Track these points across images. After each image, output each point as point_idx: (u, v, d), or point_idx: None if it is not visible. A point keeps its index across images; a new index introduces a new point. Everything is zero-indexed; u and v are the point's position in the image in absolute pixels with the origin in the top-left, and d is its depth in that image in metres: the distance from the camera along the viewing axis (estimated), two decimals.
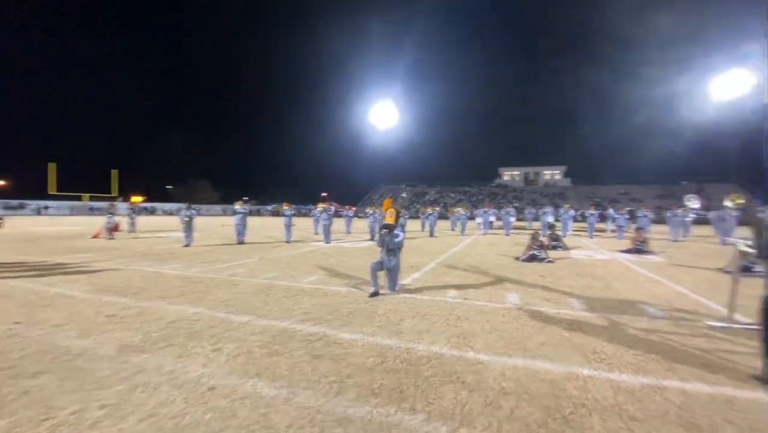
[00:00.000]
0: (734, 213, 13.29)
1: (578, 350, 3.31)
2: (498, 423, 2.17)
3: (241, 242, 12.51)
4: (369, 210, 16.76)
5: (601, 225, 20.71)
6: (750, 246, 3.75)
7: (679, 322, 4.20)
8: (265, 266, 7.84)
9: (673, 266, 8.54)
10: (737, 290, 4.04)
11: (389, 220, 5.51)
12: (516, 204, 44.88)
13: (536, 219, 21.55)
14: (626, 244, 12.18)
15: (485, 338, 3.61)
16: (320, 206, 15.91)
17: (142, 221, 25.17)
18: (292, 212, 13.96)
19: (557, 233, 12.73)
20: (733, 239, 4.80)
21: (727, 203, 12.57)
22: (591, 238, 16.41)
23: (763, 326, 2.73)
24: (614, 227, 17.64)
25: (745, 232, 9.83)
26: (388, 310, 4.56)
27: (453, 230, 21.17)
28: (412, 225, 22.61)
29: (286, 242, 13.14)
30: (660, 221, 22.87)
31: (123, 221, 17.57)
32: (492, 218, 20.55)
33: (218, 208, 57.78)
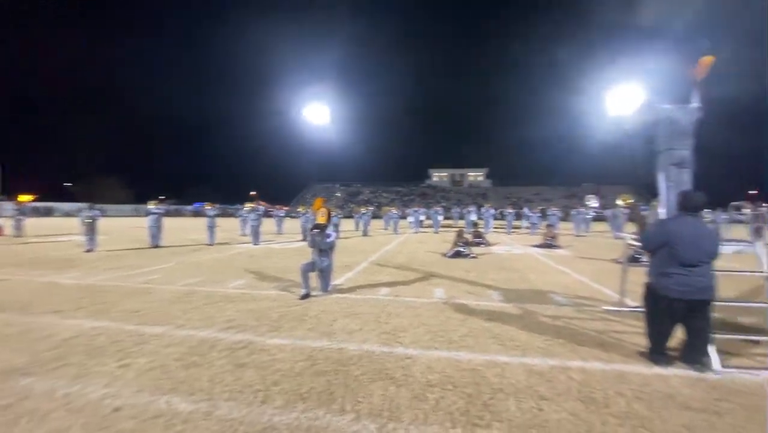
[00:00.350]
0: (624, 211, 15.46)
1: (497, 339, 3.57)
2: (424, 415, 2.25)
3: (156, 246, 11.36)
4: (300, 209, 16.36)
5: (518, 223, 22.65)
6: (635, 240, 4.37)
7: (580, 308, 4.76)
8: (185, 271, 7.23)
9: (576, 258, 9.66)
10: (626, 277, 4.69)
11: (321, 219, 5.43)
12: (444, 204, 47.13)
13: (462, 217, 22.85)
14: (538, 239, 13.48)
15: (414, 332, 3.73)
16: (248, 206, 15.13)
17: (33, 223, 21.69)
18: (216, 212, 13.05)
19: (480, 230, 13.66)
20: (623, 234, 5.59)
21: (619, 202, 14.59)
22: (509, 234, 17.89)
23: (645, 308, 3.20)
24: (528, 224, 19.42)
25: (632, 228, 11.40)
26: (320, 311, 4.48)
27: (386, 228, 21.55)
28: (346, 225, 22.56)
29: (209, 244, 12.25)
30: (566, 218, 25.69)
31: (7, 224, 14.97)
32: (422, 217, 21.35)
33: (128, 208, 51.72)
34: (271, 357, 3.12)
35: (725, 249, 3.45)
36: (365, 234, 17.28)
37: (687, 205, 3.06)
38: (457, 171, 67.94)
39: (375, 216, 27.22)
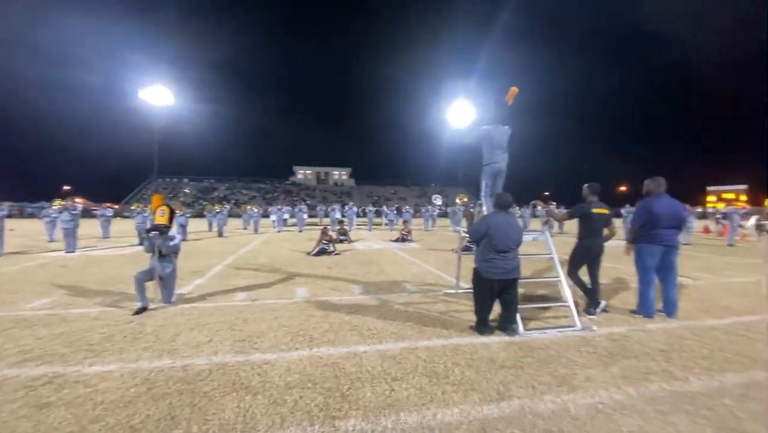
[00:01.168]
0: (461, 209, 18.17)
1: (356, 331, 3.73)
2: (281, 419, 2.19)
3: None
4: (135, 208, 13.83)
5: (378, 220, 24.19)
6: (466, 232, 5.17)
7: (427, 293, 5.37)
8: None
9: (425, 250, 10.87)
10: (461, 264, 5.50)
11: (161, 219, 4.70)
12: (309, 201, 46.81)
13: (326, 215, 23.09)
14: (395, 234, 14.67)
15: (273, 336, 3.58)
16: (58, 204, 12.04)
17: None
18: (4, 213, 9.91)
19: (345, 227, 14.05)
20: (459, 228, 6.59)
21: (457, 201, 17.07)
22: (370, 231, 18.95)
23: (474, 289, 3.81)
24: (387, 221, 20.95)
25: (465, 222, 13.44)
26: (159, 327, 3.87)
27: (245, 228, 20.12)
28: (198, 225, 20.14)
29: None
30: (418, 214, 28.67)
31: None
32: (286, 216, 20.70)
33: None
34: (91, 389, 2.54)
35: (526, 237, 4.38)
36: (221, 235, 15.77)
37: (500, 204, 3.79)
38: (323, 169, 68.29)
39: (233, 215, 25.10)
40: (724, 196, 49.70)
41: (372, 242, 13.54)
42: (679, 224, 4.33)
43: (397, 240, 13.34)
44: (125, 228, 18.42)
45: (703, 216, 26.51)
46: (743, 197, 47.98)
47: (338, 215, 19.52)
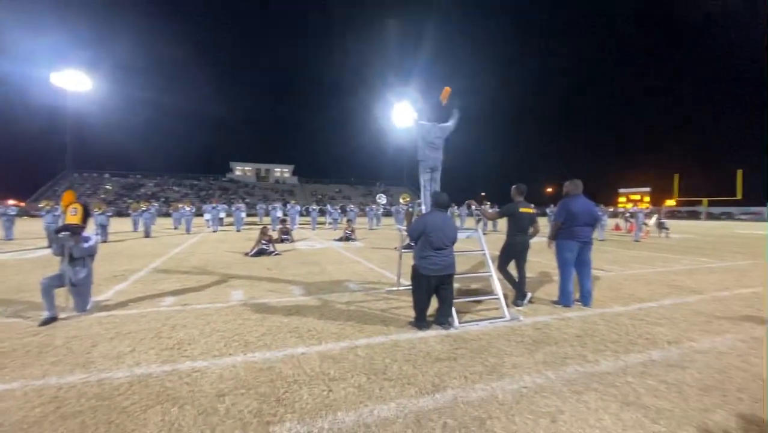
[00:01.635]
0: (404, 207, 18.58)
1: (295, 333, 3.66)
2: (211, 429, 2.08)
3: None
4: (44, 205, 12.22)
5: (322, 219, 23.86)
6: (406, 231, 5.30)
7: (369, 291, 5.42)
8: None
9: (369, 249, 10.95)
10: (401, 262, 5.62)
11: (72, 219, 4.22)
12: (248, 199, 44.78)
13: (267, 214, 22.27)
14: (339, 233, 14.58)
15: (204, 342, 3.39)
16: None
17: None
18: None
19: (287, 226, 13.66)
20: (401, 226, 6.75)
21: (401, 201, 17.41)
22: (313, 230, 18.64)
23: (412, 285, 3.92)
24: (331, 220, 20.75)
25: (406, 221, 13.76)
26: (71, 338, 3.48)
27: (176, 228, 18.72)
28: (121, 224, 18.34)
29: None
30: (363, 213, 28.76)
31: None
32: (222, 214, 19.61)
33: None
34: None
35: (461, 235, 4.61)
36: (147, 235, 14.50)
37: (438, 203, 3.95)
38: (263, 166, 65.67)
39: (163, 214, 23.21)
40: (632, 197, 56.20)
41: (315, 241, 13.33)
42: (593, 222, 4.83)
43: (340, 239, 13.27)
44: (32, 228, 16.23)
45: (615, 215, 29.77)
46: (647, 198, 54.60)
47: (280, 214, 18.92)
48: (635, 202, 48.89)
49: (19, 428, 2.08)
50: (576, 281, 4.79)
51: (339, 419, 2.19)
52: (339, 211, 20.69)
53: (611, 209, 31.47)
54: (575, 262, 4.74)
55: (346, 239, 13.18)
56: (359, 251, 10.54)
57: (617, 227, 20.24)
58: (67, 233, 4.13)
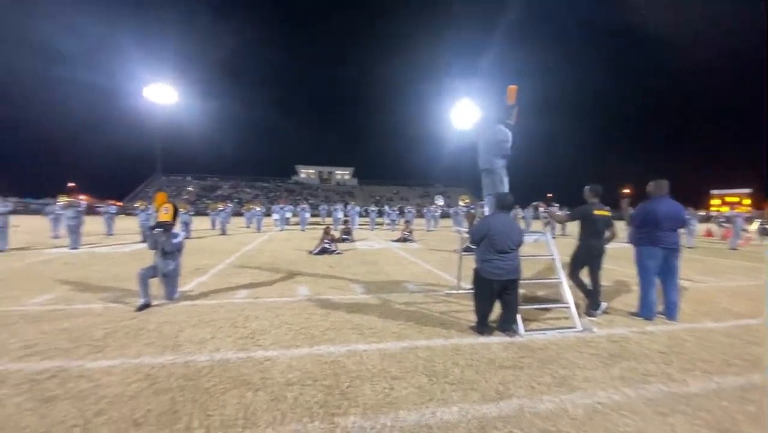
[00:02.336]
0: (464, 209, 18.20)
1: (357, 330, 3.75)
2: (282, 415, 2.21)
3: None
4: (139, 205, 13.91)
5: (380, 219, 24.21)
6: (467, 233, 5.18)
7: (428, 293, 5.39)
8: None
9: (427, 250, 10.88)
10: (462, 264, 5.51)
11: (164, 217, 4.74)
12: (311, 201, 46.91)
13: (329, 215, 23.14)
14: (397, 234, 14.68)
15: (274, 333, 3.61)
16: (63, 200, 12.14)
17: None
18: (8, 209, 9.99)
19: (349, 227, 14.08)
20: (461, 228, 6.62)
21: (460, 202, 17.10)
22: (372, 230, 18.97)
23: (474, 289, 3.82)
24: (389, 221, 20.97)
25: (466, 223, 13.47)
26: (162, 323, 3.91)
27: (248, 227, 20.19)
28: (201, 223, 20.24)
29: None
30: (420, 215, 28.68)
31: None
32: (288, 214, 20.75)
33: None
34: (93, 383, 2.58)
35: (528, 239, 4.39)
36: (223, 233, 15.84)
37: (501, 205, 3.80)
38: (325, 168, 68.39)
39: (236, 213, 25.18)
40: (728, 199, 49.38)
41: (374, 241, 13.57)
42: (679, 227, 4.33)
43: (398, 240, 13.35)
44: (129, 225, 18.53)
45: (707, 219, 26.38)
46: (747, 201, 47.67)
47: (341, 215, 19.55)
48: (732, 204, 42.82)
49: (120, 399, 2.38)
50: (659, 291, 4.33)
51: (401, 418, 2.20)
52: (397, 212, 20.83)
53: (702, 213, 27.93)
54: (660, 270, 4.27)
55: (404, 240, 13.22)
56: (417, 252, 10.51)
57: (708, 233, 17.91)
58: (160, 229, 4.66)
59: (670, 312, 4.25)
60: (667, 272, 4.28)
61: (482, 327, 3.68)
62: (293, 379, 2.68)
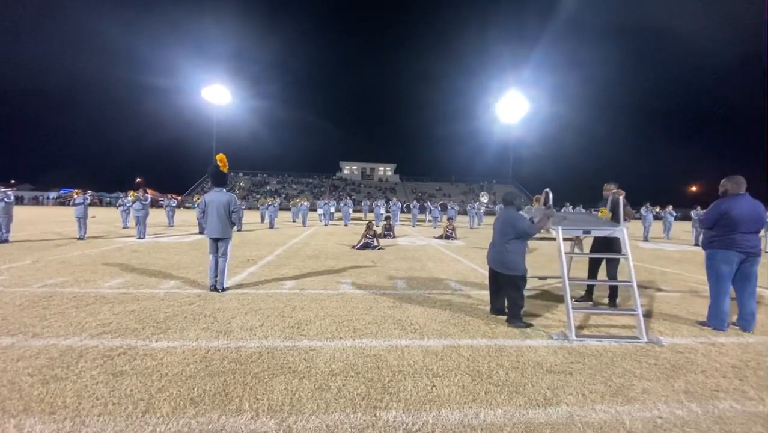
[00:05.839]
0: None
1: (398, 325, 3.76)
2: (326, 404, 2.27)
3: (4, 240, 9.28)
4: (196, 199, 14.88)
5: (422, 216, 24.05)
6: None
7: (471, 291, 5.28)
8: (45, 271, 6.04)
9: (470, 248, 10.65)
10: None
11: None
12: (354, 196, 47.61)
13: (371, 210, 23.37)
14: (439, 231, 14.51)
15: (319, 324, 3.71)
16: (132, 195, 13.29)
17: None
18: (87, 201, 11.12)
19: (391, 222, 14.15)
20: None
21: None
22: (414, 227, 18.90)
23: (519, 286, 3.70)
24: (431, 218, 20.77)
25: None
26: (216, 309, 4.17)
27: (294, 221, 20.93)
28: (251, 216, 21.29)
29: (79, 238, 10.44)
30: (463, 212, 28.11)
31: None
32: (332, 210, 21.24)
33: None
34: (157, 362, 2.80)
35: (598, 233, 4.18)
36: (272, 226, 16.54)
37: (504, 201, 4.26)
38: (368, 165, 69.13)
39: (283, 208, 26.21)
40: None
41: (415, 237, 13.51)
42: (760, 228, 3.88)
43: (441, 237, 13.19)
44: (187, 218, 19.92)
45: None
46: None
47: (383, 211, 19.67)
48: None
49: (179, 379, 2.56)
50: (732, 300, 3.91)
51: (443, 416, 2.17)
52: (439, 209, 20.56)
53: None
54: (735, 277, 3.86)
55: (447, 237, 13.04)
56: (460, 249, 10.32)
57: None
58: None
59: (746, 323, 3.83)
60: (744, 279, 3.85)
61: (493, 310, 4.20)
62: (336, 370, 2.73)
